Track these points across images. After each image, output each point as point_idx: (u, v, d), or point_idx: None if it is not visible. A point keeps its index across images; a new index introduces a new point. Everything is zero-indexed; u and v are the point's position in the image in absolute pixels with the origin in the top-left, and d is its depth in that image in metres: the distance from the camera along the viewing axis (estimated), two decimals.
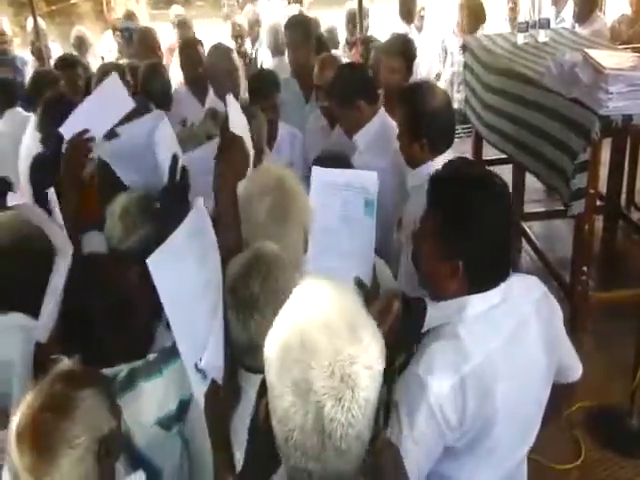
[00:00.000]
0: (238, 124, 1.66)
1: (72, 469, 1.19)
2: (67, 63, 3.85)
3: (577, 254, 2.91)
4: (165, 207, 1.82)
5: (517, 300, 1.39)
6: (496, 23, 5.63)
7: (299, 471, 0.88)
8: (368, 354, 0.87)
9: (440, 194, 1.36)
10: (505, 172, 4.07)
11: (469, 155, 4.11)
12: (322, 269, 1.59)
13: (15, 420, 1.21)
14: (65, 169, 2.06)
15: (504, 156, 3.73)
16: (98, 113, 2.13)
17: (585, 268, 2.81)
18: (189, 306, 1.35)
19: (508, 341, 1.36)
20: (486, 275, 1.36)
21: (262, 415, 0.93)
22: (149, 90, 3.48)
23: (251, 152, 1.66)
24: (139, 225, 1.88)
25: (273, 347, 0.90)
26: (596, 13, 5.00)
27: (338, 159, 2.22)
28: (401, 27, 5.31)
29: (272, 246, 1.47)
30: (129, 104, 2.20)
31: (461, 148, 4.18)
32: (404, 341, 1.42)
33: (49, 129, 2.67)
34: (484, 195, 1.33)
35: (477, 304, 1.35)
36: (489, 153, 4.09)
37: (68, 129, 2.15)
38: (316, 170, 1.77)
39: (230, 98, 1.72)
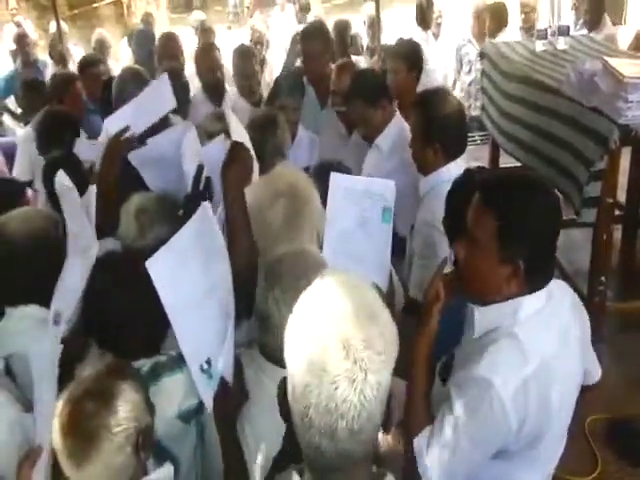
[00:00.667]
0: (239, 133, 1.71)
1: (112, 456, 1.25)
2: (88, 62, 3.91)
3: (595, 264, 2.88)
4: (188, 215, 1.82)
5: (557, 302, 1.42)
6: (510, 31, 5.59)
7: (312, 448, 0.92)
8: (381, 340, 0.91)
9: (495, 197, 1.36)
10: None
11: (485, 162, 4.09)
12: None
13: (58, 410, 1.28)
14: (103, 164, 2.09)
15: (520, 164, 3.70)
16: (142, 111, 2.20)
17: (603, 278, 2.78)
18: (191, 308, 1.38)
19: (558, 344, 1.38)
20: (542, 275, 1.39)
21: (281, 392, 0.98)
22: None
23: (254, 158, 1.70)
24: (154, 225, 1.91)
25: (293, 326, 0.95)
26: (605, 18, 5.01)
27: (337, 169, 2.24)
28: (418, 33, 5.31)
29: (312, 248, 1.56)
30: (171, 104, 2.25)
31: (477, 155, 4.17)
32: (443, 343, 1.47)
33: (45, 143, 2.77)
34: (539, 195, 1.36)
35: (529, 305, 1.37)
36: (505, 161, 4.07)
37: (112, 124, 2.19)
38: (335, 176, 1.78)
39: (228, 110, 1.81)
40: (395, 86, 3.06)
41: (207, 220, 1.42)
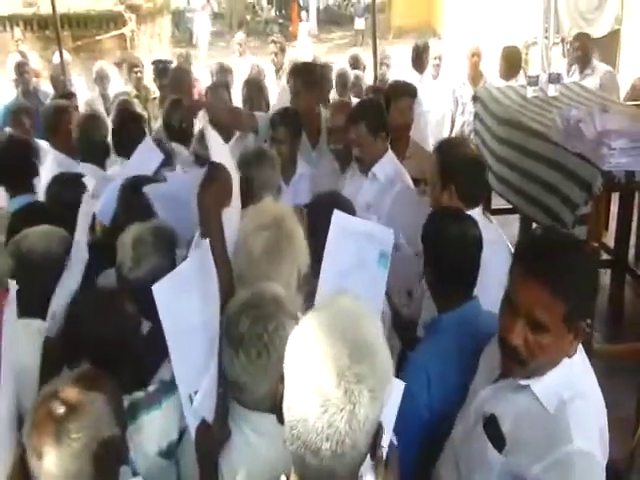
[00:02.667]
0: (219, 153, 1.67)
1: (69, 461, 1.27)
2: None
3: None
4: None
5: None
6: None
7: (298, 457, 0.96)
8: (375, 378, 0.94)
9: (562, 284, 1.30)
10: (513, 222, 4.12)
11: None
12: None
13: (31, 410, 1.33)
14: None
15: (511, 206, 3.76)
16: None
17: (589, 321, 2.79)
18: (189, 337, 1.41)
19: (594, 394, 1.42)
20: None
21: (278, 396, 1.00)
22: (169, 124, 3.59)
23: (235, 179, 1.67)
24: (150, 255, 1.92)
25: (294, 340, 0.98)
26: (593, 62, 5.22)
27: (336, 200, 2.26)
28: (413, 75, 5.43)
29: (274, 289, 1.46)
30: (158, 159, 2.36)
31: None
32: None
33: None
34: (591, 263, 1.43)
35: (578, 357, 1.38)
36: (497, 202, 4.12)
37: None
38: (337, 215, 1.78)
39: (209, 129, 1.73)
40: (397, 125, 3.16)
41: (206, 259, 1.43)
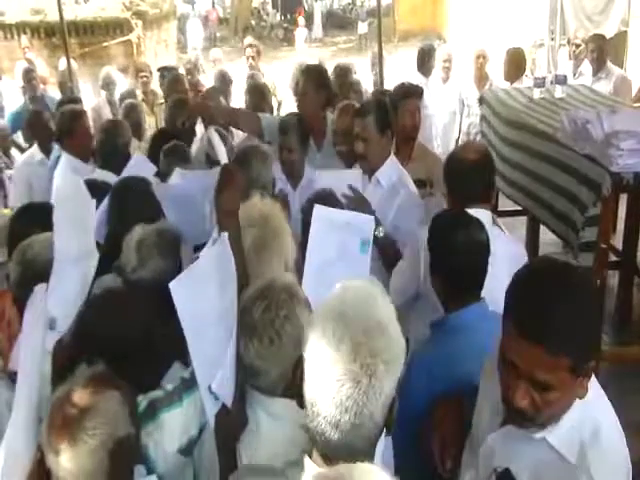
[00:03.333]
0: (222, 154, 1.80)
1: (86, 456, 1.29)
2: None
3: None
4: None
5: None
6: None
7: (319, 434, 1.02)
8: (389, 352, 1.01)
9: (563, 342, 1.16)
10: (520, 224, 4.11)
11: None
12: (316, 300, 1.62)
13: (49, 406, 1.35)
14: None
15: (519, 208, 3.75)
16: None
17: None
18: (206, 330, 1.44)
19: None
20: None
21: (297, 380, 1.08)
22: (171, 122, 3.63)
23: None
24: (153, 257, 1.92)
25: (314, 320, 1.06)
26: (608, 65, 5.16)
27: (328, 198, 2.31)
28: (418, 79, 5.43)
29: (285, 278, 1.54)
30: (152, 171, 2.33)
31: None
32: None
33: None
34: (592, 304, 1.25)
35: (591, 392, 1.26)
36: (504, 203, 4.11)
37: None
38: (318, 208, 1.88)
39: (211, 131, 1.84)
40: (405, 127, 3.17)
41: (225, 251, 1.48)
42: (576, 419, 1.25)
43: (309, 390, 1.03)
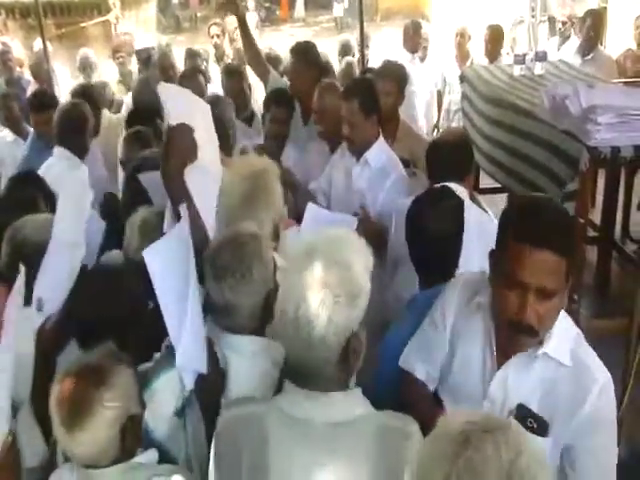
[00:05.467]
0: (178, 113, 1.71)
1: (100, 429, 1.32)
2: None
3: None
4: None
5: None
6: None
7: (287, 348, 1.24)
8: (341, 287, 1.17)
9: (563, 244, 1.36)
10: (500, 202, 4.13)
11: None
12: None
13: (55, 383, 1.36)
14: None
15: (500, 185, 3.77)
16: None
17: (576, 296, 2.82)
18: (179, 299, 1.49)
19: None
20: None
21: (268, 307, 1.28)
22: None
23: (203, 127, 1.75)
24: (156, 238, 1.93)
25: (291, 249, 1.24)
26: (599, 47, 5.09)
27: None
28: (404, 56, 5.42)
29: (249, 226, 1.66)
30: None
31: None
32: None
33: None
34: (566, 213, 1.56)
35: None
36: (486, 182, 4.13)
37: None
38: (310, 207, 2.11)
39: (163, 88, 1.79)
40: (386, 107, 3.09)
41: (184, 237, 1.52)
42: (561, 329, 1.44)
43: (278, 315, 1.20)
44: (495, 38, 5.25)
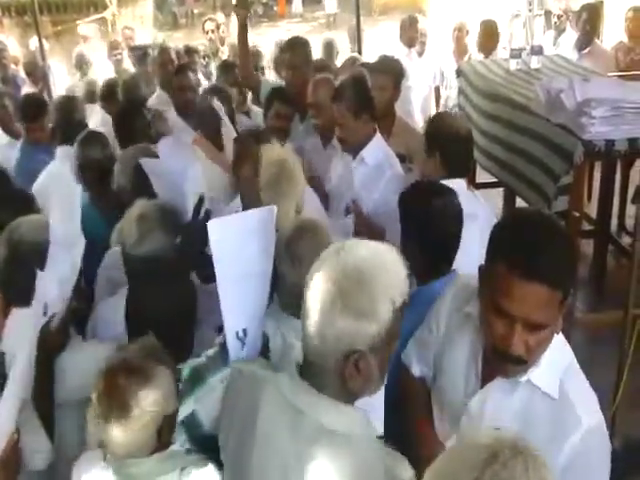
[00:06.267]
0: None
1: (136, 430, 1.37)
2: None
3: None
4: (185, 242, 1.99)
5: None
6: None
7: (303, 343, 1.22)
8: (357, 304, 1.12)
9: (559, 279, 1.24)
10: (496, 196, 4.13)
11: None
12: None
13: (99, 375, 1.41)
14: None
15: (496, 180, 3.77)
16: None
17: (571, 290, 2.83)
18: (240, 280, 1.50)
19: None
20: None
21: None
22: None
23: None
24: (154, 231, 1.95)
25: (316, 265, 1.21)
26: (596, 41, 5.09)
27: None
28: (400, 50, 5.41)
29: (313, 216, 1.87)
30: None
31: None
32: None
33: None
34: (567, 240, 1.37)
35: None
36: (483, 177, 4.14)
37: None
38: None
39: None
40: (381, 102, 3.09)
41: (269, 224, 1.53)
42: (551, 357, 1.33)
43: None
44: (489, 33, 5.24)
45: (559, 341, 1.36)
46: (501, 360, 1.32)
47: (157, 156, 2.54)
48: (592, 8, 5.19)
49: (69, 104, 3.46)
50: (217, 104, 2.46)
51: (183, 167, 2.28)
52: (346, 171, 2.86)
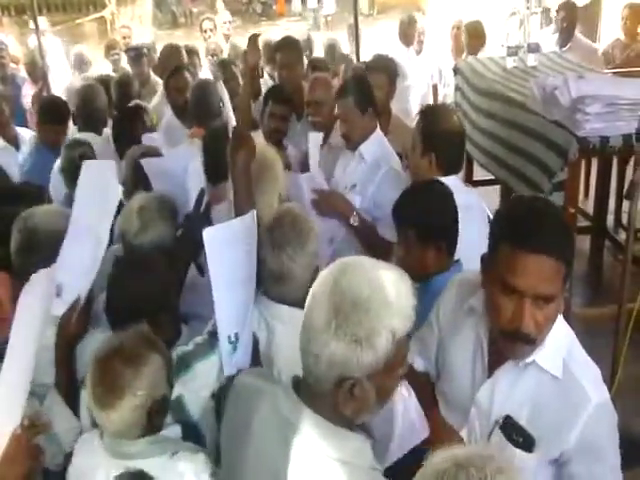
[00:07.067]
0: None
1: (129, 412, 1.44)
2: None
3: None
4: (187, 232, 2.07)
5: None
6: (494, 48, 5.73)
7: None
8: (354, 328, 1.08)
9: (560, 248, 1.30)
10: (493, 193, 4.16)
11: (459, 175, 4.17)
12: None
13: (93, 360, 1.48)
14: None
15: (493, 177, 3.79)
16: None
17: (567, 285, 2.85)
18: (232, 285, 1.57)
19: None
20: None
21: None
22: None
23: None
24: (154, 222, 2.03)
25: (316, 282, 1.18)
26: (576, 36, 5.13)
27: None
28: (400, 49, 5.43)
29: (294, 204, 1.89)
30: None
31: None
32: None
33: None
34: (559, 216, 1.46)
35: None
36: (479, 174, 4.16)
37: None
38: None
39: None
40: (377, 100, 3.10)
41: (252, 226, 1.59)
42: (556, 339, 1.37)
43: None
44: (474, 34, 5.26)
45: (559, 321, 1.39)
46: (511, 342, 1.35)
47: (160, 155, 2.57)
48: (569, 5, 5.25)
49: (91, 91, 3.54)
50: (222, 89, 2.48)
51: (184, 163, 2.33)
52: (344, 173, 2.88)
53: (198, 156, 2.41)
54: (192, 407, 1.61)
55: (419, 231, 1.87)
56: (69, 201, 2.34)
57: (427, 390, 1.63)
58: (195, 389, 1.61)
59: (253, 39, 3.15)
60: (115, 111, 3.73)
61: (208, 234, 1.56)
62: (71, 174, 2.78)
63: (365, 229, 2.55)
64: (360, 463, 1.13)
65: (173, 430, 1.56)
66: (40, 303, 1.59)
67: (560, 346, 1.38)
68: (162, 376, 1.50)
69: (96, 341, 1.67)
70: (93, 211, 1.85)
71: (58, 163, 3.06)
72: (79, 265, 1.79)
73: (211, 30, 5.77)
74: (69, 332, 1.76)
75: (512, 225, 1.33)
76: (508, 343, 1.36)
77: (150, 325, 1.57)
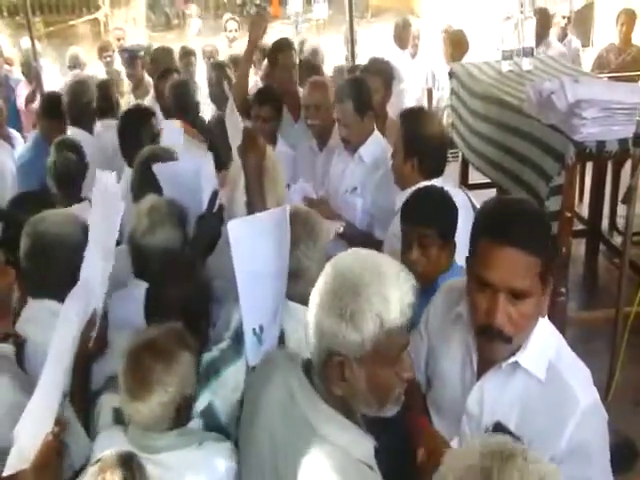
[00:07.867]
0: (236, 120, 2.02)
1: (158, 407, 1.47)
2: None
3: (556, 275, 2.97)
4: (200, 232, 2.11)
5: None
6: (489, 52, 5.75)
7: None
8: (348, 307, 1.15)
9: (536, 242, 1.30)
10: (488, 196, 4.16)
11: (455, 179, 4.18)
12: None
13: (125, 353, 1.50)
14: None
15: (489, 180, 3.80)
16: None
17: (563, 289, 2.86)
18: (257, 277, 1.57)
19: None
20: None
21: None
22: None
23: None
24: (164, 223, 2.03)
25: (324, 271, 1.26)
26: (548, 40, 5.17)
27: None
28: (395, 52, 5.44)
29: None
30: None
31: (447, 172, 4.25)
32: None
33: None
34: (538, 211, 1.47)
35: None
36: (475, 177, 4.17)
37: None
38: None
39: (231, 101, 2.11)
40: (375, 104, 3.11)
41: (284, 222, 1.57)
42: (540, 340, 1.36)
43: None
44: (457, 43, 5.28)
45: (546, 327, 1.39)
46: (487, 341, 1.34)
47: (170, 158, 2.54)
48: (541, 12, 5.27)
49: (79, 87, 3.58)
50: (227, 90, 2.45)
51: (196, 167, 2.35)
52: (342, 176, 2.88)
53: (210, 159, 2.43)
54: (223, 413, 1.63)
55: (441, 230, 1.87)
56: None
57: (417, 398, 1.62)
58: (225, 395, 1.63)
59: (260, 16, 3.30)
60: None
61: (233, 226, 1.57)
62: (57, 177, 2.88)
63: (353, 236, 2.57)
64: (341, 443, 1.18)
65: (195, 423, 1.60)
66: (77, 314, 1.64)
67: (546, 348, 1.37)
68: (192, 374, 1.54)
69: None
70: (102, 226, 1.84)
71: None
72: (93, 279, 1.79)
73: (236, 30, 5.75)
74: (88, 348, 1.75)
75: (488, 220, 1.35)
76: (485, 342, 1.36)
77: (187, 329, 1.59)
